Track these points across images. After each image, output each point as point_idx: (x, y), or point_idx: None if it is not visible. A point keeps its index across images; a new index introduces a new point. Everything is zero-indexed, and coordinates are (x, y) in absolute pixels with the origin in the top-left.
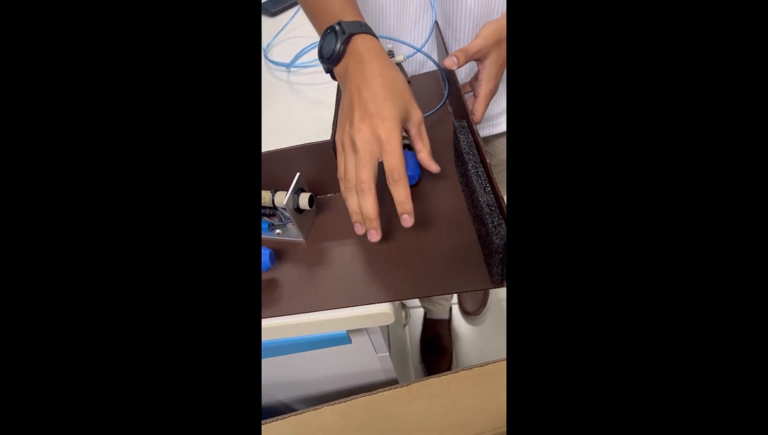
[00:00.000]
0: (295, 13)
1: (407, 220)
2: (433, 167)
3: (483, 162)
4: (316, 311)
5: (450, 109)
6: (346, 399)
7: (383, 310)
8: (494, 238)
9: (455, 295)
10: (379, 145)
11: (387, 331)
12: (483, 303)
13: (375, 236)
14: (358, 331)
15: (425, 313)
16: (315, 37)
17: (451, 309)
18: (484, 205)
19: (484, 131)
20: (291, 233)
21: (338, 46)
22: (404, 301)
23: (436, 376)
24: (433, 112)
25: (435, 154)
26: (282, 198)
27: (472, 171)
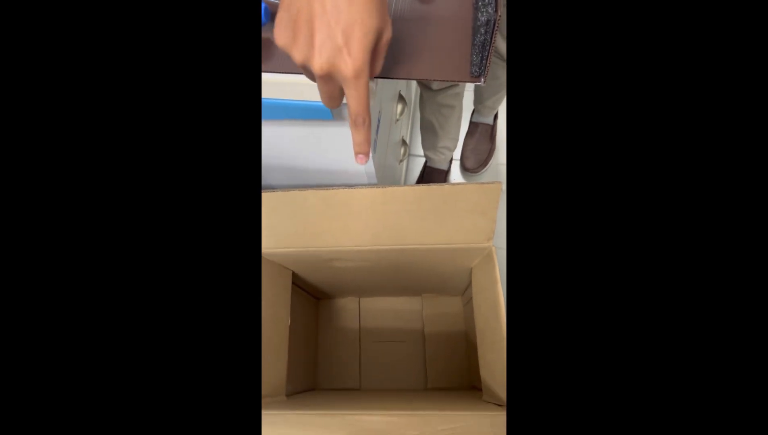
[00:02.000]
0: None
1: (362, 160)
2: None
3: None
4: (298, 74)
5: None
6: (326, 187)
7: None
8: (479, 14)
9: (459, 150)
10: (345, 83)
11: (376, 131)
12: (484, 163)
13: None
14: (341, 113)
15: (426, 161)
16: None
17: (450, 160)
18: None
19: None
20: None
21: None
22: (408, 144)
23: (409, 186)
24: None
25: None
26: None
27: None
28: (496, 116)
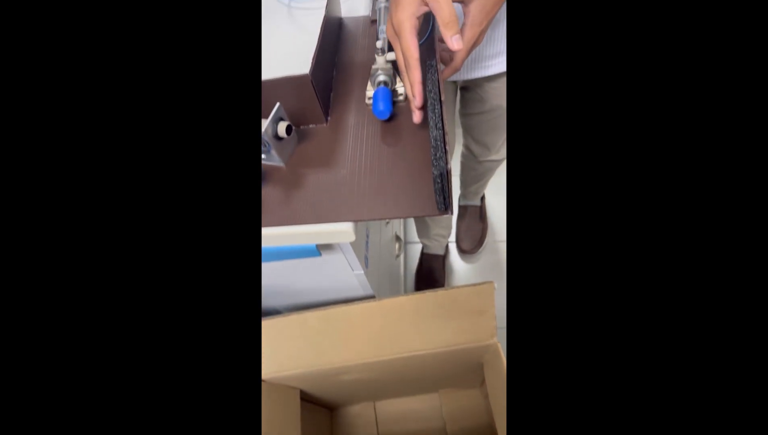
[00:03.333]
0: None
1: (416, 115)
2: (449, 42)
3: (440, 100)
4: (285, 225)
5: (437, 41)
6: (325, 307)
7: (344, 229)
8: (433, 169)
9: (453, 233)
10: (396, 36)
11: (366, 248)
12: (479, 243)
13: (416, 117)
14: (329, 247)
15: (423, 248)
16: None
17: (447, 246)
18: (432, 140)
19: (475, 72)
20: (273, 159)
21: None
22: (403, 236)
23: (405, 295)
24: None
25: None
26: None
27: (429, 108)
28: (483, 197)
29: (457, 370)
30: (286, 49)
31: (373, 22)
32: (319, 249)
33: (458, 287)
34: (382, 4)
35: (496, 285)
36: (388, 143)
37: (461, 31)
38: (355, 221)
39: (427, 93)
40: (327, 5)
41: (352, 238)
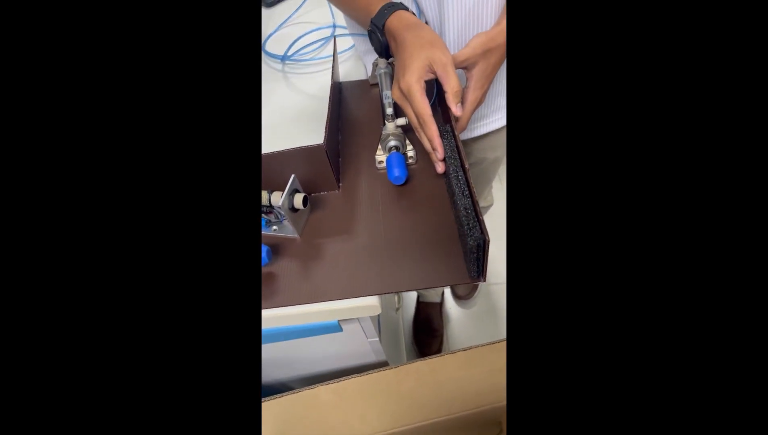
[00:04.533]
0: (300, 5)
1: (439, 166)
2: (454, 109)
3: (463, 167)
4: (309, 303)
5: (439, 109)
6: (339, 380)
7: (371, 303)
8: (468, 239)
9: None
10: (406, 99)
11: (378, 316)
12: (474, 288)
13: (439, 168)
14: (349, 319)
15: (418, 297)
16: (312, 23)
17: (443, 293)
18: (462, 208)
19: (463, 134)
20: (287, 230)
21: (381, 39)
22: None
23: (422, 359)
24: None
25: (422, 155)
26: (278, 198)
27: (452, 174)
28: None
29: (473, 432)
30: (281, 112)
31: (373, 85)
32: (341, 323)
33: (473, 348)
34: (382, 70)
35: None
36: (404, 208)
37: (465, 94)
38: (382, 294)
39: (447, 159)
40: (333, 64)
41: (379, 311)
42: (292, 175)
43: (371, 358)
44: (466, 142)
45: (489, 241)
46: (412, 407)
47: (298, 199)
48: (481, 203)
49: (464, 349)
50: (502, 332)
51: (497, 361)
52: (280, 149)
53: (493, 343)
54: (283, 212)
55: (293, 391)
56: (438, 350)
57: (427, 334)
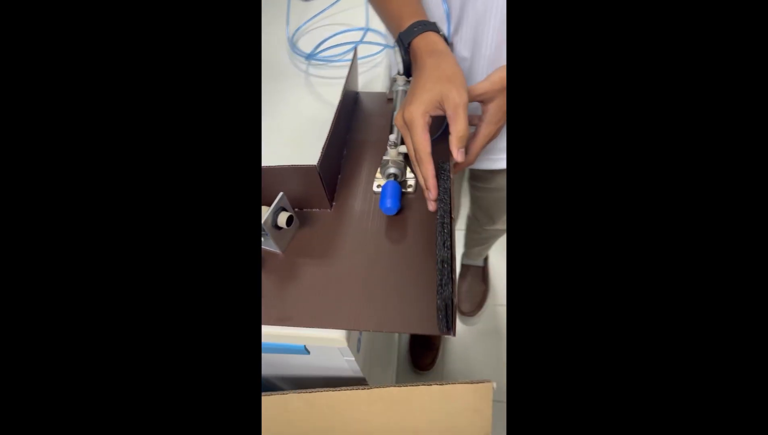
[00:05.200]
0: (334, 2)
1: (431, 205)
2: (455, 153)
3: (450, 213)
4: (274, 325)
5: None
6: (310, 390)
7: (336, 336)
8: (438, 298)
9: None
10: (407, 129)
11: (360, 333)
12: (479, 305)
13: (431, 206)
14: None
15: None
16: (344, 24)
17: None
18: (439, 261)
19: (483, 164)
20: (269, 245)
21: (404, 57)
22: None
23: (395, 386)
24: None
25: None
26: (264, 213)
27: (439, 220)
28: (486, 258)
29: None
30: (300, 116)
31: (389, 100)
32: (308, 348)
33: (454, 383)
34: (400, 87)
35: (494, 385)
36: (392, 239)
37: (478, 128)
38: (350, 330)
39: (439, 201)
40: (346, 81)
41: (344, 344)
42: (280, 193)
43: (348, 374)
44: (489, 172)
45: (456, 302)
46: (380, 430)
47: (282, 218)
48: (499, 226)
49: (440, 384)
50: (502, 356)
51: (475, 401)
52: (275, 165)
53: (473, 382)
54: (266, 229)
55: (264, 394)
56: (432, 363)
57: (423, 346)
